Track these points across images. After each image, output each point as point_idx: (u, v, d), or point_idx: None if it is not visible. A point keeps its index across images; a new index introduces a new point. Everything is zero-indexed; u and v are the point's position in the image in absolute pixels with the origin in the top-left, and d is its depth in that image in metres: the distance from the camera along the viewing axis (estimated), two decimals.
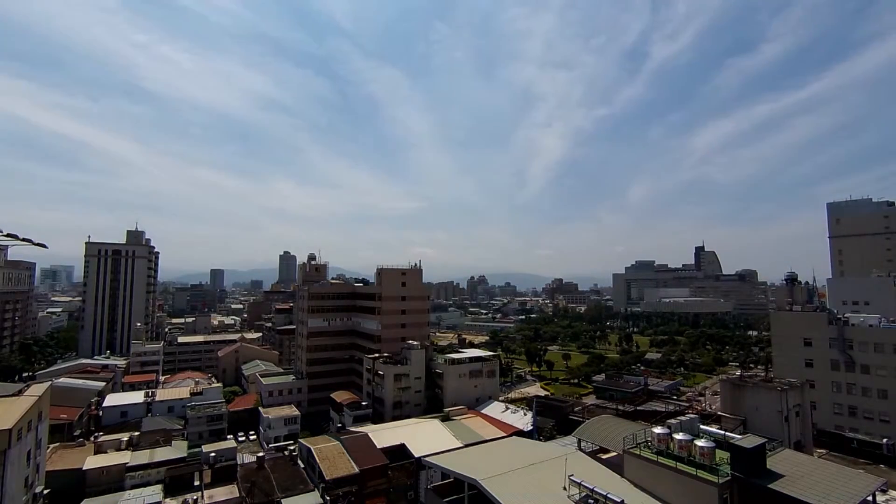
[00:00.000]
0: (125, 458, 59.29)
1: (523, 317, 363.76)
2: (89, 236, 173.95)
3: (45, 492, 48.37)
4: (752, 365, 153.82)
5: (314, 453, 56.16)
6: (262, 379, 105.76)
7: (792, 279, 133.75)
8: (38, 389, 49.68)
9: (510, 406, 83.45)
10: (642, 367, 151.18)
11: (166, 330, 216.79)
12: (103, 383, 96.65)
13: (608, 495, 32.25)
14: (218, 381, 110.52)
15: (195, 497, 49.86)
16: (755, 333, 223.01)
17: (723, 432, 43.46)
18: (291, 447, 68.28)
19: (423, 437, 65.17)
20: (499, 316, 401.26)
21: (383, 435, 64.62)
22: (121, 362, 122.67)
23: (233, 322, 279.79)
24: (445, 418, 73.87)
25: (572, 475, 35.12)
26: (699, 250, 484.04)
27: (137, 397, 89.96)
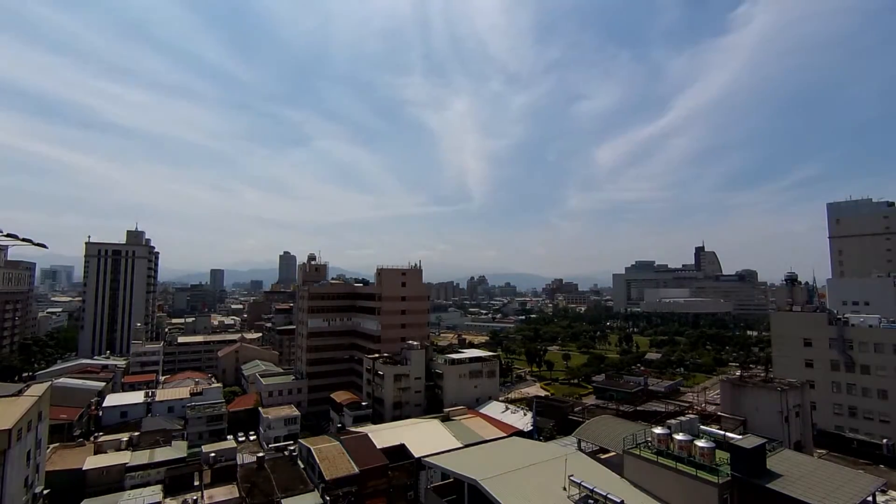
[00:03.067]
0: (125, 458, 59.29)
1: (523, 317, 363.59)
2: (89, 236, 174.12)
3: (45, 492, 48.36)
4: (752, 365, 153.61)
5: (314, 453, 56.14)
6: (262, 379, 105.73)
7: (792, 279, 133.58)
8: (38, 389, 49.67)
9: (510, 406, 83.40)
10: (642, 368, 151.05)
11: (166, 330, 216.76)
12: (103, 383, 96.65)
13: (608, 495, 32.27)
14: (218, 382, 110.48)
15: (195, 497, 49.85)
16: (755, 333, 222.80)
17: (723, 432, 43.46)
18: (291, 447, 68.30)
19: (423, 437, 65.15)
20: (499, 316, 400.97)
21: (383, 435, 64.60)
22: (121, 362, 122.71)
23: (233, 322, 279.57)
24: (445, 418, 73.85)
25: (572, 475, 35.14)
26: (699, 250, 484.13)
27: (137, 397, 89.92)
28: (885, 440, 68.69)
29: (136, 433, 69.76)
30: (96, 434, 74.04)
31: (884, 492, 37.29)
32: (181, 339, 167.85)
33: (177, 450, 63.62)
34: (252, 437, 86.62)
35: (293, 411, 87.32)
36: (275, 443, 79.31)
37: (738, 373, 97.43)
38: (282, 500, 49.80)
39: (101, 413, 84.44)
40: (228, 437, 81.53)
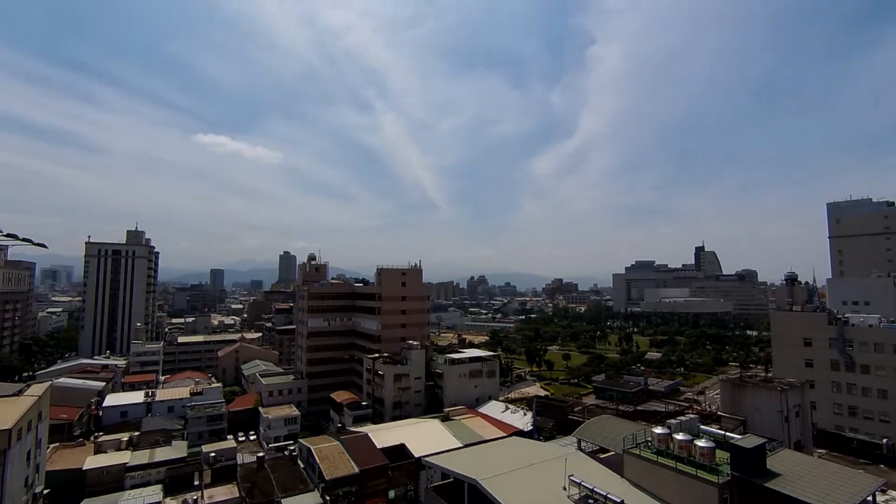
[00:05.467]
0: (125, 458, 59.26)
1: (523, 317, 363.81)
2: (89, 236, 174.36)
3: (45, 492, 48.38)
4: (752, 365, 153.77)
5: (314, 453, 56.15)
6: (262, 379, 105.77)
7: (792, 279, 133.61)
8: (38, 389, 49.67)
9: (510, 406, 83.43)
10: (642, 367, 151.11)
11: (166, 330, 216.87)
12: (103, 383, 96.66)
13: (608, 495, 32.28)
14: (218, 381, 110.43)
15: (195, 497, 49.89)
16: (755, 333, 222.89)
17: (723, 432, 43.51)
18: (291, 447, 68.22)
19: (423, 437, 65.16)
20: (499, 316, 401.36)
21: (383, 435, 64.60)
22: (121, 362, 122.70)
23: (233, 322, 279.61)
24: (445, 418, 73.85)
25: (572, 475, 35.14)
26: (699, 250, 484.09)
27: (137, 397, 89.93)
28: (885, 440, 68.64)
29: (136, 433, 69.74)
30: (96, 434, 73.91)
31: (884, 492, 37.28)
32: (181, 339, 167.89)
33: (177, 450, 63.59)
34: (252, 437, 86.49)
35: (293, 411, 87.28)
36: (275, 442, 79.25)
37: (738, 373, 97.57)
38: (282, 500, 49.79)
39: (101, 413, 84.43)
40: (228, 436, 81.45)
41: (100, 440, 66.09)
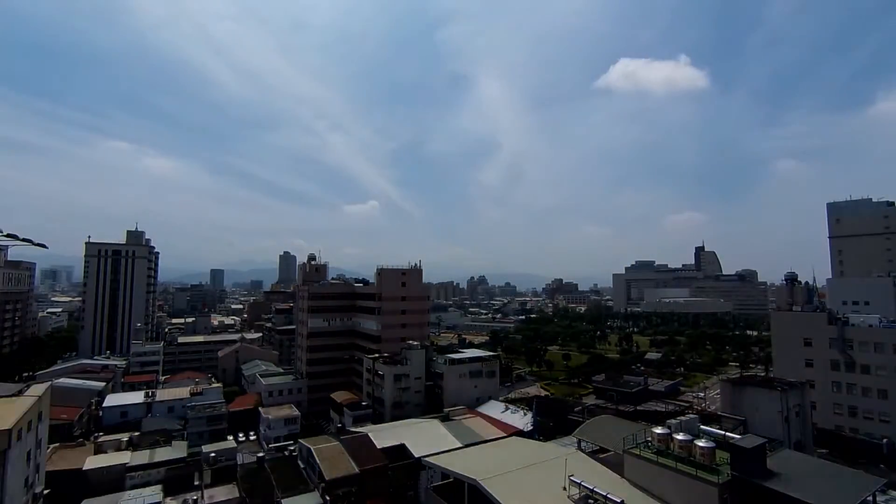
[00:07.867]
0: (125, 458, 59.30)
1: (523, 317, 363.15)
2: (89, 236, 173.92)
3: (45, 492, 48.37)
4: (752, 365, 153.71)
5: (314, 453, 56.14)
6: (262, 379, 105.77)
7: (792, 279, 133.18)
8: (38, 389, 49.64)
9: (510, 406, 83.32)
10: (642, 367, 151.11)
11: (166, 330, 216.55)
12: (103, 383, 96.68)
13: (608, 495, 32.32)
14: (218, 382, 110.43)
15: (195, 497, 49.91)
16: (755, 333, 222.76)
17: (723, 432, 43.53)
18: (291, 447, 68.33)
19: (423, 437, 65.14)
20: (499, 316, 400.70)
21: (383, 435, 64.61)
22: (121, 362, 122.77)
23: (233, 322, 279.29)
24: (445, 418, 73.82)
25: (572, 475, 35.17)
26: (699, 250, 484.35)
27: (137, 397, 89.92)
28: (885, 440, 68.69)
29: (137, 433, 69.73)
30: (96, 434, 74.00)
31: (884, 492, 37.32)
32: (181, 339, 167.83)
33: (177, 450, 63.59)
34: (252, 437, 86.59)
35: (293, 411, 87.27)
36: (275, 443, 79.26)
37: (738, 372, 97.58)
38: (282, 500, 49.81)
39: (101, 413, 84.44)
40: (228, 437, 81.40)
41: (100, 440, 66.12)
